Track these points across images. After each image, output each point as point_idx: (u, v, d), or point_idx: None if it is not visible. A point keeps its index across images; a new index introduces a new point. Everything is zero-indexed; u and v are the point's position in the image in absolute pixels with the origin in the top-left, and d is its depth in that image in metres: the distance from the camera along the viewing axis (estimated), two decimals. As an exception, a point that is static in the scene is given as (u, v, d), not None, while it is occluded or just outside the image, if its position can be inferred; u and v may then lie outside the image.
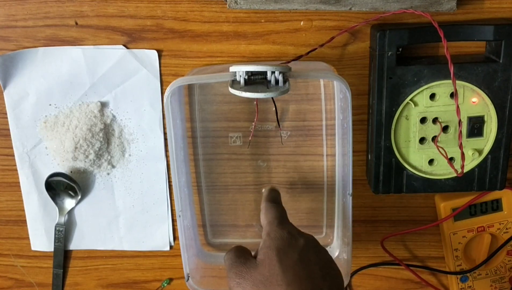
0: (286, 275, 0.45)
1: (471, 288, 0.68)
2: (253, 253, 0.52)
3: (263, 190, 0.64)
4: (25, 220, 0.69)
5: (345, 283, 0.61)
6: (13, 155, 0.66)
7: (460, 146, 0.55)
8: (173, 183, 0.59)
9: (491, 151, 0.59)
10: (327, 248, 0.65)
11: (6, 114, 0.64)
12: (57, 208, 0.68)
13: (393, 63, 0.56)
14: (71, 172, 0.66)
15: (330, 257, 0.51)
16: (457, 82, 0.56)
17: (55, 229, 0.68)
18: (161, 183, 0.66)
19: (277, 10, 0.57)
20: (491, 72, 0.56)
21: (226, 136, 0.63)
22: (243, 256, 0.50)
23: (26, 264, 0.72)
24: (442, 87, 0.57)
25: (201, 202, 0.66)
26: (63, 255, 0.70)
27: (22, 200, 0.68)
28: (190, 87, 0.62)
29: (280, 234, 0.49)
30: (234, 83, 0.51)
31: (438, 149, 0.59)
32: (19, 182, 0.67)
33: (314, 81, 0.61)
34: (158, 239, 0.69)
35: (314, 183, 0.65)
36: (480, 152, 0.60)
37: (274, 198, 0.57)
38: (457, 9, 0.55)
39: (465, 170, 0.60)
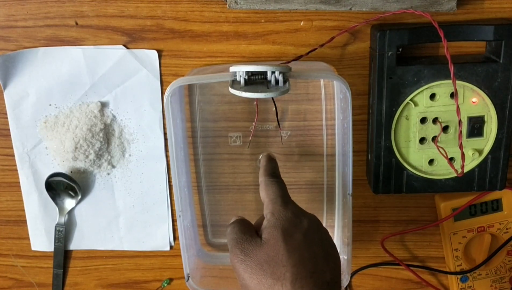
0: (291, 256, 0.46)
1: (471, 288, 0.68)
2: (254, 222, 0.52)
3: (260, 157, 0.62)
4: (25, 220, 0.69)
5: (345, 283, 0.61)
6: (13, 155, 0.66)
7: (460, 146, 0.55)
8: (173, 183, 0.59)
9: (491, 151, 0.59)
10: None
11: (6, 114, 0.64)
12: (57, 208, 0.68)
13: (393, 63, 0.56)
14: (71, 172, 0.66)
15: (330, 237, 0.51)
16: (457, 82, 0.56)
17: (55, 229, 0.68)
18: (161, 183, 0.66)
19: (277, 10, 0.57)
20: (491, 72, 0.56)
21: (226, 136, 0.63)
22: (248, 232, 0.49)
23: (26, 264, 0.72)
24: (442, 87, 0.57)
25: (201, 202, 0.66)
26: (63, 255, 0.70)
27: (22, 200, 0.68)
28: (190, 87, 0.62)
29: (284, 214, 0.49)
30: (234, 83, 0.51)
31: (438, 149, 0.59)
32: (19, 182, 0.67)
33: (314, 81, 0.61)
34: (158, 239, 0.69)
35: (314, 183, 0.65)
36: (480, 152, 0.60)
37: (274, 172, 0.55)
38: (457, 9, 0.55)
39: (465, 170, 0.60)
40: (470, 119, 0.59)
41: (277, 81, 0.51)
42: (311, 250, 0.47)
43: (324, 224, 0.66)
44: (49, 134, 0.64)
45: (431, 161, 0.61)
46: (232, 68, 0.51)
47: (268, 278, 0.45)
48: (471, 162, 0.60)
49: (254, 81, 0.51)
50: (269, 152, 0.62)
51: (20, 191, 0.68)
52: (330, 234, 0.66)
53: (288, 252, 0.46)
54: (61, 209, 0.68)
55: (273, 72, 0.50)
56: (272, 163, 0.57)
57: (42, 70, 0.62)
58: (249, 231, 0.50)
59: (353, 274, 0.70)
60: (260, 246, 0.47)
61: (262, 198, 0.53)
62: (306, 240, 0.47)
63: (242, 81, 0.51)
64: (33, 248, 0.70)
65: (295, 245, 0.47)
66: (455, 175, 0.60)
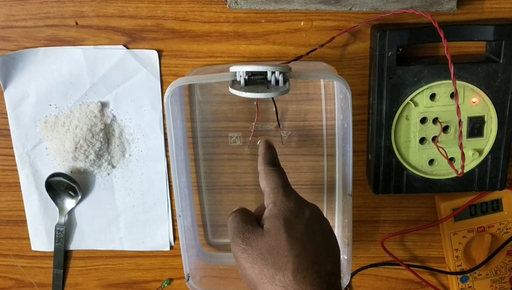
0: (292, 246, 0.46)
1: (471, 288, 0.68)
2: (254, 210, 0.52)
3: (258, 142, 0.60)
4: (25, 220, 0.69)
5: (345, 283, 0.61)
6: (13, 155, 0.66)
7: (460, 146, 0.55)
8: (173, 183, 0.59)
9: (491, 151, 0.59)
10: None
11: (6, 114, 0.64)
12: (57, 208, 0.68)
13: (393, 63, 0.56)
14: (71, 172, 0.66)
15: (331, 228, 0.51)
16: (457, 82, 0.56)
17: (55, 229, 0.68)
18: (161, 183, 0.66)
19: (277, 10, 0.57)
20: (491, 72, 0.56)
21: (226, 136, 0.63)
22: (249, 222, 0.49)
23: (26, 264, 0.72)
24: (442, 87, 0.58)
25: (201, 202, 0.66)
26: (63, 255, 0.70)
27: (22, 200, 0.68)
28: (190, 87, 0.62)
29: (286, 204, 0.49)
30: (234, 83, 0.51)
31: (438, 149, 0.59)
32: (19, 182, 0.67)
33: (314, 81, 0.61)
34: (158, 239, 0.69)
35: (314, 183, 0.65)
36: (480, 152, 0.60)
37: (273, 160, 0.55)
38: (457, 9, 0.55)
39: (465, 170, 0.60)
40: (470, 119, 0.59)
41: (277, 81, 0.51)
42: (313, 240, 0.47)
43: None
44: (49, 134, 0.64)
45: (431, 161, 0.61)
46: (232, 68, 0.51)
47: (270, 268, 0.45)
48: (471, 162, 0.60)
49: (254, 81, 0.51)
50: (267, 138, 0.61)
51: (20, 191, 0.68)
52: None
53: (290, 242, 0.46)
54: (61, 209, 0.68)
55: (273, 72, 0.50)
56: (271, 150, 0.56)
57: (42, 70, 0.62)
58: (251, 220, 0.49)
59: (353, 274, 0.70)
60: (261, 236, 0.47)
61: (262, 187, 0.52)
62: (308, 230, 0.47)
63: (242, 81, 0.51)
64: (33, 248, 0.70)
65: (297, 236, 0.47)
66: (455, 175, 0.60)
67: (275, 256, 0.45)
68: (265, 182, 0.52)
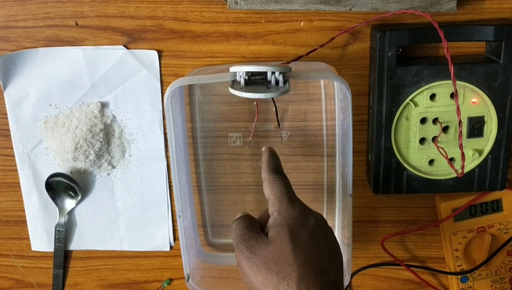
0: (297, 256, 0.46)
1: (471, 289, 0.68)
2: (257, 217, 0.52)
3: (262, 149, 0.59)
4: (25, 221, 0.69)
5: (345, 283, 0.61)
6: (13, 156, 0.66)
7: (460, 147, 0.55)
8: (173, 184, 0.59)
9: (491, 152, 0.59)
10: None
11: (6, 114, 0.64)
12: (57, 209, 0.68)
13: (393, 63, 0.56)
14: (71, 172, 0.66)
15: (335, 237, 0.51)
16: (457, 82, 0.56)
17: (55, 230, 0.68)
18: (161, 183, 0.66)
19: (277, 10, 0.57)
20: (491, 73, 0.56)
21: (226, 136, 0.63)
22: (254, 229, 0.49)
23: (26, 264, 0.72)
24: (442, 88, 0.58)
25: (202, 202, 0.66)
26: (63, 256, 0.70)
27: (22, 201, 0.68)
28: (190, 88, 0.62)
29: (291, 213, 0.49)
30: (234, 83, 0.51)
31: (438, 149, 0.59)
32: (19, 183, 0.67)
33: (314, 82, 0.61)
34: (158, 239, 0.69)
35: (314, 183, 0.65)
36: (480, 152, 0.60)
37: (277, 168, 0.54)
38: (457, 10, 0.55)
39: (465, 171, 0.60)
40: (470, 119, 0.59)
41: (277, 82, 0.51)
42: (317, 249, 0.47)
43: (324, 224, 0.66)
44: (49, 134, 0.64)
45: (431, 162, 0.61)
46: (232, 69, 0.51)
47: (274, 277, 0.45)
48: (471, 162, 0.60)
49: (254, 81, 0.51)
50: (270, 146, 0.60)
51: (20, 191, 0.68)
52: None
53: (295, 251, 0.46)
54: (61, 209, 0.68)
55: (273, 73, 0.50)
56: (275, 158, 0.56)
57: (42, 71, 0.62)
58: (255, 228, 0.49)
59: (353, 274, 0.70)
60: (266, 244, 0.47)
61: (267, 195, 0.52)
62: (312, 239, 0.47)
63: (242, 82, 0.51)
64: (33, 248, 0.70)
65: (302, 245, 0.47)
66: (455, 175, 0.60)
67: (279, 265, 0.45)
68: (270, 190, 0.52)
